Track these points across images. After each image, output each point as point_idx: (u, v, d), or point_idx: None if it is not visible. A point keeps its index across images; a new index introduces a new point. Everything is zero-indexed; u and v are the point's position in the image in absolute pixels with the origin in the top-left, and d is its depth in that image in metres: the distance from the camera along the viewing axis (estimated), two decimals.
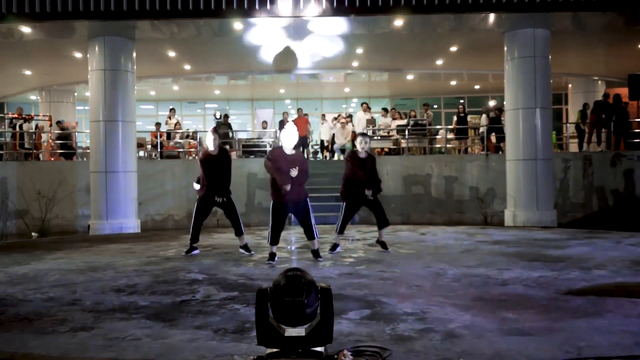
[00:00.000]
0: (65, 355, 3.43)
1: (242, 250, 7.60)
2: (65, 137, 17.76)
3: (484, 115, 16.62)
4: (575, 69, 19.73)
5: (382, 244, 7.80)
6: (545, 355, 3.26)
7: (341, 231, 7.72)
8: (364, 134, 8.07)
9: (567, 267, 6.28)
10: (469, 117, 17.54)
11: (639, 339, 3.55)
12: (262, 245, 8.33)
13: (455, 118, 17.33)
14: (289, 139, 6.81)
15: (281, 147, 6.89)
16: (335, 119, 18.57)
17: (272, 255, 6.96)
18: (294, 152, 6.89)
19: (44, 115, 20.40)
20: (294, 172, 6.65)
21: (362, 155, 7.60)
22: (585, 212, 14.37)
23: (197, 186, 7.53)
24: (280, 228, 6.96)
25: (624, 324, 3.91)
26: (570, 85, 22.16)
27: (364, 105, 18.37)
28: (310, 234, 7.02)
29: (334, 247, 7.73)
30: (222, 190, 7.40)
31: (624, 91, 16.75)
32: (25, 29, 12.41)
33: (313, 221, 6.99)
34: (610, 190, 14.39)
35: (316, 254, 7.10)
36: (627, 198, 14.26)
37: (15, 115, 17.85)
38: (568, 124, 16.81)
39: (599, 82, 21.29)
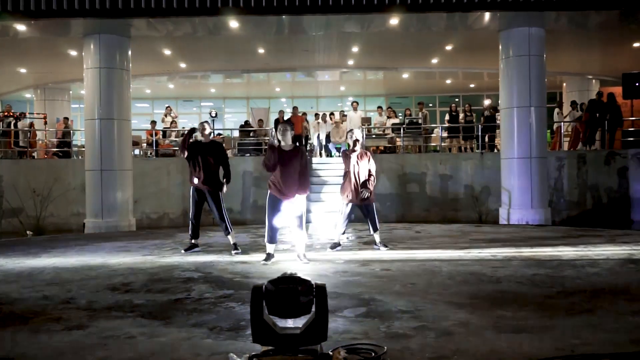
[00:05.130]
0: (60, 354, 3.43)
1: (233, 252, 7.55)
2: (66, 136, 17.73)
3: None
4: (570, 68, 19.81)
5: (381, 244, 7.78)
6: (539, 352, 3.28)
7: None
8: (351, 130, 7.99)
9: (561, 265, 6.31)
10: (461, 115, 17.54)
11: (632, 337, 3.57)
12: (257, 244, 8.33)
13: (447, 117, 17.37)
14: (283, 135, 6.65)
15: (279, 144, 6.70)
16: (330, 116, 18.62)
17: (268, 256, 6.78)
18: (291, 147, 6.68)
19: (38, 114, 20.35)
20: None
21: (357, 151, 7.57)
22: (580, 210, 14.43)
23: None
24: (277, 223, 6.77)
25: (617, 321, 3.94)
26: (564, 84, 22.23)
27: (354, 104, 18.35)
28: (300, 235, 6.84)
29: (335, 245, 7.74)
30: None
31: (618, 90, 16.81)
32: (20, 27, 12.37)
33: (304, 221, 6.84)
34: (604, 188, 14.44)
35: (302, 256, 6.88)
36: (621, 196, 14.32)
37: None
38: (563, 123, 16.87)
39: (593, 81, 21.36)
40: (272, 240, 6.78)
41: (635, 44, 16.22)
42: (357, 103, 18.63)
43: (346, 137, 7.79)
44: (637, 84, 15.86)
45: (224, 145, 8.24)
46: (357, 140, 7.67)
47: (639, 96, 16.04)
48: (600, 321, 3.96)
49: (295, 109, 18.57)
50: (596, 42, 16.29)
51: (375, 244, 7.78)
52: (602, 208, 14.37)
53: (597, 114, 15.73)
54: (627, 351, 3.28)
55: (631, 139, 15.45)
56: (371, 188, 7.57)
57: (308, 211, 13.25)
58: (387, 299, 4.73)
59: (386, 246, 7.75)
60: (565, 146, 16.54)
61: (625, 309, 4.30)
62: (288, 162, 6.57)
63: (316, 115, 19.43)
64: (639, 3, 11.43)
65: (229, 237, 7.60)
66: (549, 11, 11.78)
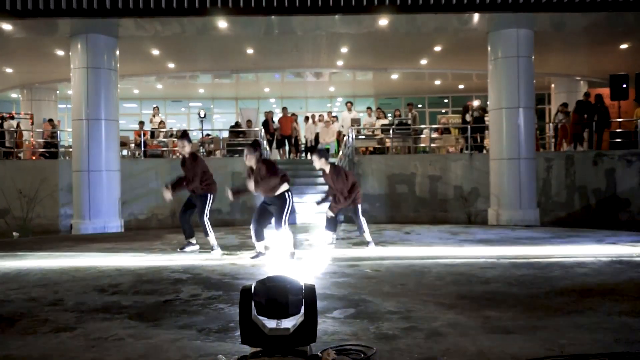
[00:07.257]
0: (47, 356, 3.39)
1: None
2: (52, 136, 17.59)
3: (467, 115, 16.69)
4: (558, 69, 19.93)
5: (368, 243, 7.82)
6: (528, 352, 3.29)
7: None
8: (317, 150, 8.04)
9: (550, 265, 6.34)
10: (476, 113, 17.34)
11: (619, 336, 3.59)
12: (246, 245, 8.30)
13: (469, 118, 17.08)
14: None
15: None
16: (316, 117, 18.67)
17: (258, 254, 7.04)
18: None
19: (25, 114, 20.16)
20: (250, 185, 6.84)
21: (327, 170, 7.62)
22: (568, 210, 14.52)
23: None
24: (258, 224, 7.02)
25: (605, 322, 3.96)
26: (553, 85, 22.38)
27: (349, 104, 18.41)
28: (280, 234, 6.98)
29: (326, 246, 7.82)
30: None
31: (605, 91, 16.94)
32: (6, 26, 12.25)
33: (284, 220, 6.89)
34: (592, 189, 14.54)
35: (291, 255, 6.97)
36: (608, 197, 14.43)
37: None
38: (551, 124, 16.96)
39: (581, 82, 21.52)
40: (258, 238, 7.03)
41: (623, 46, 16.36)
42: (352, 104, 18.69)
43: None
44: (624, 86, 16.01)
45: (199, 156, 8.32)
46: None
47: (626, 97, 16.20)
48: (588, 321, 3.97)
49: (284, 109, 18.57)
50: (584, 43, 16.40)
51: (366, 242, 7.84)
52: (590, 209, 14.47)
53: (585, 115, 15.85)
54: (615, 351, 3.30)
55: (619, 140, 15.56)
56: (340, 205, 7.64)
57: (295, 212, 13.23)
58: (377, 299, 4.73)
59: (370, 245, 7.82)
60: (551, 147, 16.62)
61: (613, 309, 4.32)
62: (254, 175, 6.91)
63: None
64: (625, 6, 11.51)
65: (208, 239, 7.62)
66: (537, 13, 11.84)
